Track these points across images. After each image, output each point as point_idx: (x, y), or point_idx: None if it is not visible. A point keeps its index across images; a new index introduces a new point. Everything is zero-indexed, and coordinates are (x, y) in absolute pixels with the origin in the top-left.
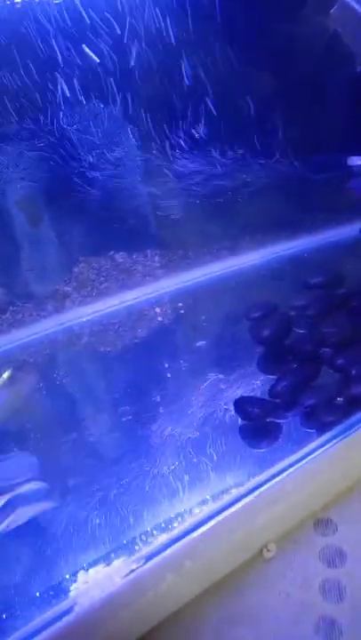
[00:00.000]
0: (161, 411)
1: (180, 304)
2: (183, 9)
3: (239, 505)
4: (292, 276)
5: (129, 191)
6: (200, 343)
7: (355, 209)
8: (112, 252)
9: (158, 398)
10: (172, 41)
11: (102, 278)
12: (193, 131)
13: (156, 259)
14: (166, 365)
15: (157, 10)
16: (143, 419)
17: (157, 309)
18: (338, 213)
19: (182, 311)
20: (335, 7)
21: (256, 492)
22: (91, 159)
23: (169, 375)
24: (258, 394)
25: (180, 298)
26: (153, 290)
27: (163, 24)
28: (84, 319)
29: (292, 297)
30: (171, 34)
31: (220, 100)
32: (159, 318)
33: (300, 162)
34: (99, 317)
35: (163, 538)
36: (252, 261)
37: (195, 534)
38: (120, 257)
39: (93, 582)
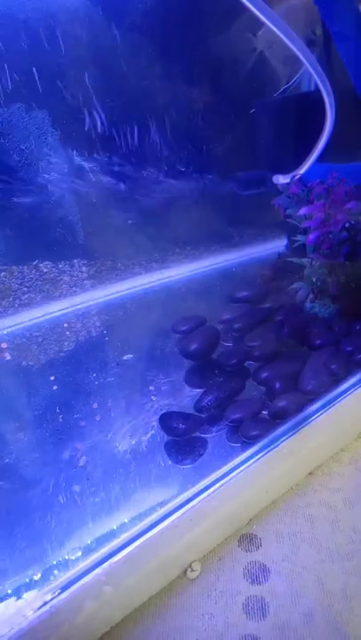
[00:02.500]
0: (84, 428)
1: (108, 316)
2: (115, 26)
3: (163, 525)
4: (220, 289)
5: (55, 200)
6: (127, 357)
7: (280, 225)
8: (37, 262)
9: (82, 414)
10: (102, 59)
11: (25, 288)
12: (124, 146)
13: (84, 269)
14: (91, 380)
15: (85, 26)
16: (65, 437)
17: (85, 322)
18: (265, 229)
19: (110, 324)
20: (262, 29)
21: (181, 511)
22: (15, 167)
23: (94, 390)
24: (186, 407)
25: (109, 310)
26: (80, 301)
27: (89, 40)
28: (5, 332)
29: (220, 311)
30: (100, 50)
31: (151, 116)
32: (86, 331)
33: (228, 179)
34: (21, 329)
35: (81, 564)
36: (182, 274)
37: (116, 558)
38: (45, 266)
39: (2, 619)
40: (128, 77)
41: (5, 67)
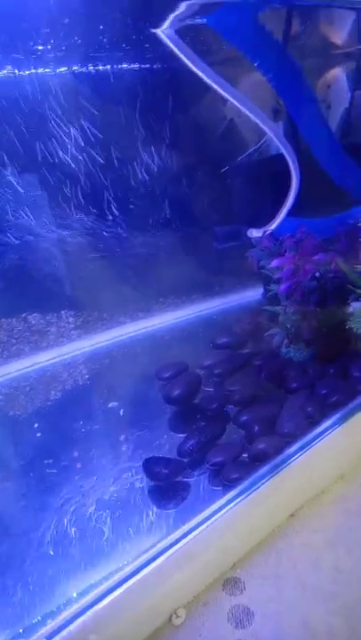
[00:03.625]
0: (70, 476)
1: (95, 365)
2: (96, 92)
3: (147, 570)
4: (202, 336)
5: (43, 255)
6: (112, 404)
7: (257, 275)
8: (25, 314)
9: (67, 463)
10: (84, 122)
11: (14, 340)
12: (109, 204)
13: (71, 320)
14: (77, 429)
15: (66, 89)
16: (52, 485)
17: (71, 371)
18: (243, 279)
19: (96, 372)
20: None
21: (164, 556)
22: (4, 224)
23: (80, 439)
24: (169, 452)
25: (95, 359)
26: (67, 351)
27: (70, 103)
28: None
29: (201, 357)
30: (83, 114)
31: (135, 178)
32: (73, 380)
33: (206, 233)
34: (9, 380)
35: (65, 613)
36: (166, 323)
37: (100, 606)
38: (33, 318)
39: None
40: (112, 143)
41: None
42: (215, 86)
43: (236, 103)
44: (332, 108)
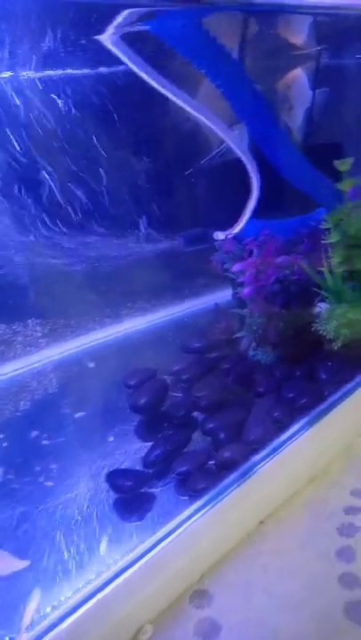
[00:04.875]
0: (33, 489)
1: (63, 374)
2: (61, 100)
3: (112, 586)
4: (172, 340)
5: (7, 261)
6: (79, 414)
7: (226, 277)
8: None
9: (30, 476)
10: (51, 127)
11: None
12: (74, 210)
13: (38, 328)
14: (43, 440)
15: (36, 97)
16: (13, 499)
17: (40, 380)
18: (213, 281)
19: (64, 381)
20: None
21: (130, 570)
22: None
23: (45, 451)
24: (136, 463)
25: (64, 367)
26: (35, 360)
27: (36, 111)
28: None
29: (170, 362)
30: (49, 121)
31: (100, 183)
32: (41, 390)
33: (173, 237)
34: None
35: (24, 637)
36: (135, 327)
37: (62, 626)
38: None
39: None
40: (79, 148)
41: None
42: (165, 92)
43: (188, 109)
44: (294, 108)
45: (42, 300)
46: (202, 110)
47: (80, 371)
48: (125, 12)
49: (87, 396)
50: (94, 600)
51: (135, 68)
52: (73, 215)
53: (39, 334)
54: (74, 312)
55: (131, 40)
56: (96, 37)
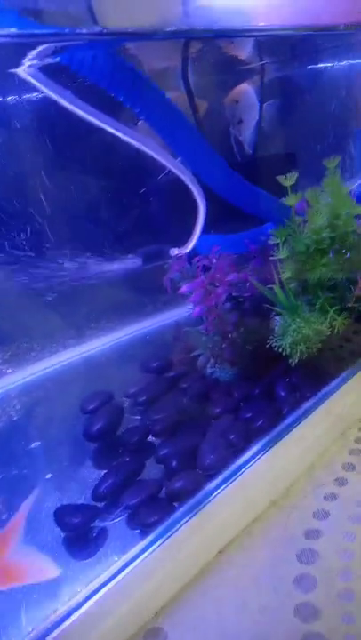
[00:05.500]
0: None
1: (26, 399)
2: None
3: (60, 629)
4: (133, 359)
5: None
6: (34, 445)
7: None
8: None
9: None
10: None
11: None
12: (26, 233)
13: None
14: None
15: None
16: None
17: (3, 407)
18: (177, 297)
19: (26, 408)
20: (141, 122)
21: (79, 612)
22: None
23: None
24: (88, 495)
25: (26, 392)
26: None
27: None
28: None
29: (128, 383)
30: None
31: (52, 206)
32: (5, 416)
33: (130, 255)
34: None
35: None
36: (99, 347)
37: None
38: None
39: None
40: (28, 173)
41: None
42: (91, 119)
43: (119, 135)
44: (244, 122)
45: (2, 325)
46: (138, 140)
47: (40, 396)
48: (37, 48)
49: (45, 423)
50: None
51: (61, 100)
52: (30, 238)
53: (0, 360)
54: (36, 335)
55: (52, 72)
56: (13, 71)
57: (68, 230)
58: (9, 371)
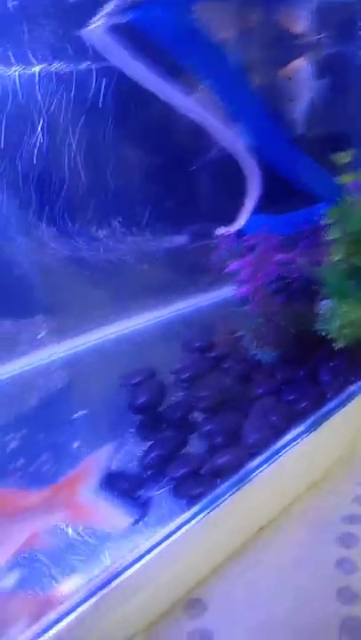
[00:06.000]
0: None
1: (67, 372)
2: (63, 97)
3: (104, 591)
4: (174, 338)
5: (15, 260)
6: (79, 414)
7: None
8: None
9: (34, 474)
10: (53, 126)
11: None
12: (77, 208)
13: (44, 325)
14: (42, 439)
15: (36, 88)
16: None
17: (43, 378)
18: (218, 277)
19: (68, 380)
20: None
21: (123, 576)
22: None
23: (43, 451)
24: (132, 465)
25: (69, 365)
26: (40, 358)
27: (40, 110)
28: None
29: (171, 360)
30: (48, 114)
31: (104, 180)
32: (45, 388)
33: (177, 233)
34: None
35: None
36: (141, 324)
37: (50, 633)
38: (5, 325)
39: None
40: (81, 146)
41: None
42: (150, 88)
43: (180, 108)
44: (297, 100)
45: (48, 297)
46: (195, 110)
47: (84, 369)
48: (109, 4)
49: (89, 394)
50: (84, 607)
51: (121, 64)
52: (79, 211)
53: (45, 331)
54: (80, 309)
55: (116, 33)
56: (79, 32)
57: (114, 204)
58: (53, 342)
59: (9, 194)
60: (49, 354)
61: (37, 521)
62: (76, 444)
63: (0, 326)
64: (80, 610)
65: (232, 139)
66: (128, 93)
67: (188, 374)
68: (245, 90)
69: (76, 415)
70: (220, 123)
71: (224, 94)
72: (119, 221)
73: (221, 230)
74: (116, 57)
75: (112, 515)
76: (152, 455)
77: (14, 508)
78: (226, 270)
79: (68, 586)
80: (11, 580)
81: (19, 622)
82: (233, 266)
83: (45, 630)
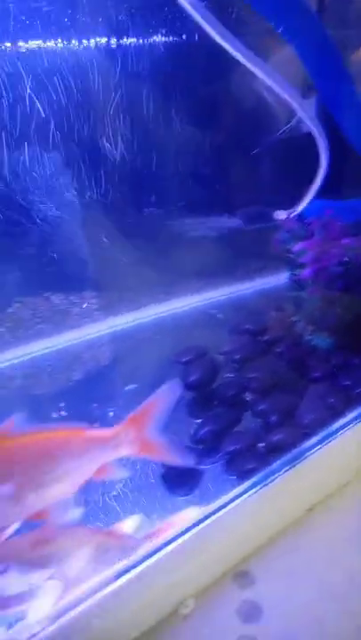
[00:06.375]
0: None
1: (116, 347)
2: (121, 70)
3: (156, 557)
4: (224, 321)
5: (67, 235)
6: (130, 387)
7: (284, 259)
8: (48, 294)
9: None
10: (111, 100)
11: (37, 319)
12: (133, 185)
13: (94, 301)
14: (93, 410)
15: (97, 69)
16: None
17: (92, 352)
18: (269, 262)
19: (117, 354)
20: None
21: (175, 543)
22: (29, 202)
23: (96, 421)
24: (185, 439)
25: (116, 340)
26: (89, 332)
27: (100, 84)
28: (17, 361)
29: (221, 342)
30: (108, 93)
31: (159, 157)
32: (94, 361)
33: (233, 215)
34: (32, 359)
35: (69, 597)
36: (188, 306)
37: (105, 591)
38: (56, 298)
39: None
40: (137, 122)
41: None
42: (242, 59)
43: (262, 76)
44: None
45: (99, 274)
46: (274, 76)
47: (132, 345)
48: None
49: (138, 369)
50: (138, 569)
51: (208, 28)
52: (134, 190)
53: (95, 306)
54: (129, 287)
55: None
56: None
57: (171, 184)
58: (103, 317)
59: (65, 171)
60: (98, 329)
61: (108, 455)
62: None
63: (52, 300)
64: (138, 569)
65: (308, 111)
66: (192, 69)
67: (239, 356)
68: (337, 63)
69: (126, 388)
70: (298, 94)
71: (313, 64)
72: (175, 202)
73: (281, 214)
74: (207, 24)
75: (174, 452)
76: (205, 429)
77: (88, 441)
78: (292, 250)
79: (131, 521)
80: (76, 513)
81: (83, 554)
82: (299, 246)
83: (100, 588)
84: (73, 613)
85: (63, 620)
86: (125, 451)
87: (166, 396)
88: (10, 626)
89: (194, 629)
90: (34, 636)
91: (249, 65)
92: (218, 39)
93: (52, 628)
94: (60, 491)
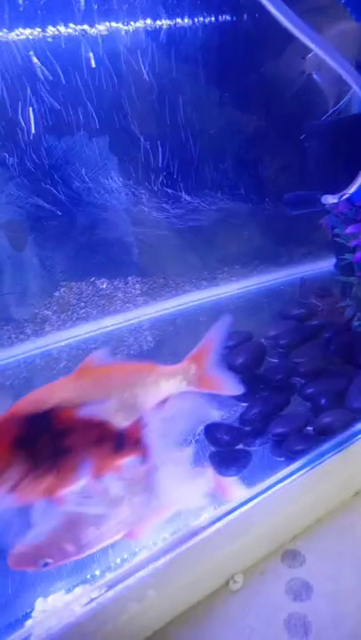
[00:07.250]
0: None
1: (159, 331)
2: (167, 53)
3: (207, 533)
4: (267, 307)
5: (113, 220)
6: None
7: (329, 244)
8: (93, 278)
9: None
10: (156, 86)
11: (83, 303)
12: (177, 170)
13: (137, 286)
14: None
15: (142, 53)
16: None
17: (136, 336)
18: (314, 248)
19: (160, 338)
20: (311, 53)
21: (224, 520)
22: (77, 189)
23: None
24: (231, 421)
25: (159, 325)
26: (132, 316)
27: (147, 67)
28: (63, 343)
29: (266, 327)
30: (157, 81)
31: (203, 141)
32: (137, 345)
33: (277, 199)
34: (77, 342)
35: (126, 566)
36: (230, 292)
37: (159, 563)
38: (101, 283)
39: (52, 611)
40: (182, 106)
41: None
42: (301, 35)
43: (321, 53)
44: None
45: (143, 259)
46: (330, 50)
47: (175, 329)
48: None
49: (182, 353)
50: (190, 543)
51: (268, 4)
52: (177, 177)
53: (138, 292)
54: (172, 273)
55: None
56: None
57: (215, 170)
58: (146, 303)
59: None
60: (140, 314)
61: (175, 387)
62: None
63: (97, 284)
64: (188, 544)
65: None
66: (237, 50)
67: (286, 340)
68: None
69: None
70: (353, 69)
71: None
72: (219, 188)
73: (329, 198)
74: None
75: (230, 385)
76: (254, 411)
77: (159, 375)
78: (342, 233)
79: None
80: None
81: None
82: (351, 229)
83: (154, 559)
84: (129, 582)
85: (120, 587)
86: (188, 385)
87: (219, 333)
88: (68, 590)
89: (243, 604)
90: (92, 600)
91: (304, 38)
92: (274, 13)
93: (109, 594)
94: (136, 415)
